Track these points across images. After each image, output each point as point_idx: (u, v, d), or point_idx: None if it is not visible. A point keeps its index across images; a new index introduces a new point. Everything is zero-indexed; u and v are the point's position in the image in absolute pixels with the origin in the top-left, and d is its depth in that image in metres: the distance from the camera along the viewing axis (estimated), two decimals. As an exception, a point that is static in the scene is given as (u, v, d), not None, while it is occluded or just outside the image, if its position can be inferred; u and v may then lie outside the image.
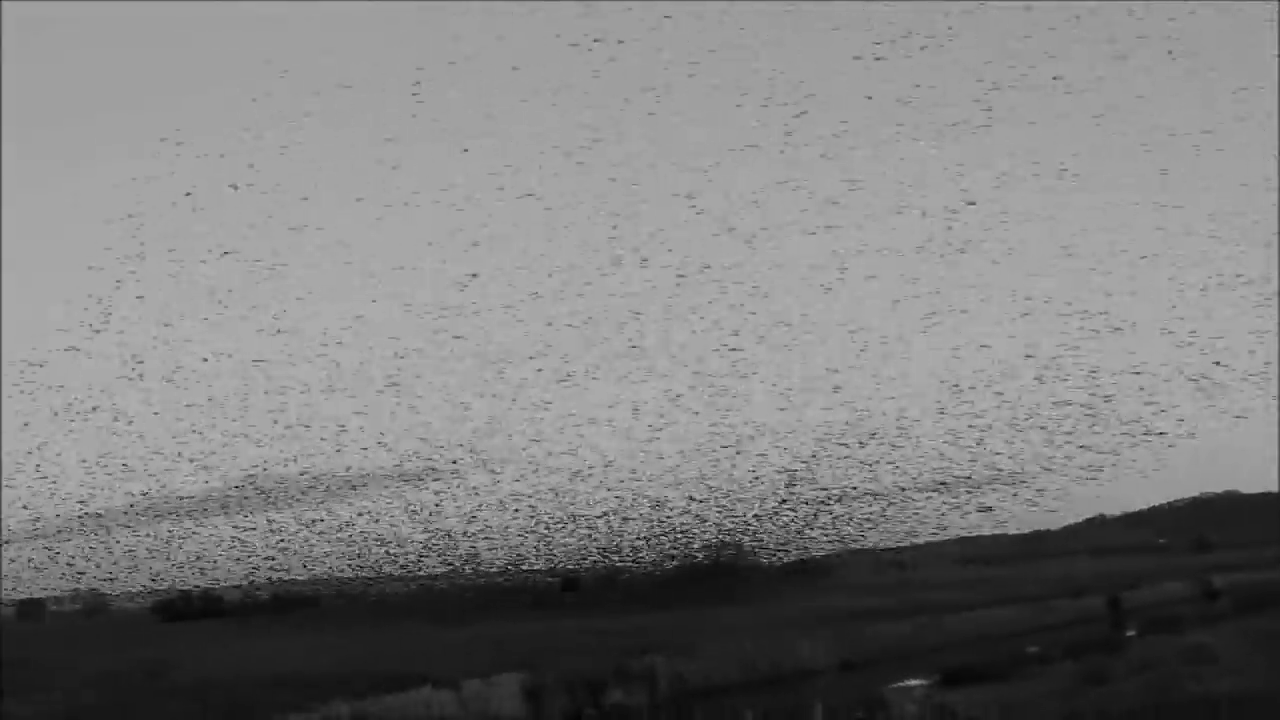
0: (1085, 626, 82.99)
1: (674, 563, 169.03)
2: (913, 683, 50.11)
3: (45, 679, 63.75)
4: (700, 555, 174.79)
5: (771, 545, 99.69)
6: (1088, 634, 74.29)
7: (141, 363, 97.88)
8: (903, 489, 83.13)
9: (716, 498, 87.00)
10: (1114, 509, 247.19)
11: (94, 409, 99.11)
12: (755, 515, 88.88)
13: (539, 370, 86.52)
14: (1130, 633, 75.80)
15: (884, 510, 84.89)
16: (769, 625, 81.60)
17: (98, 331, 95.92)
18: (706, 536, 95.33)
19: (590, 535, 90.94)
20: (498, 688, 53.25)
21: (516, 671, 55.81)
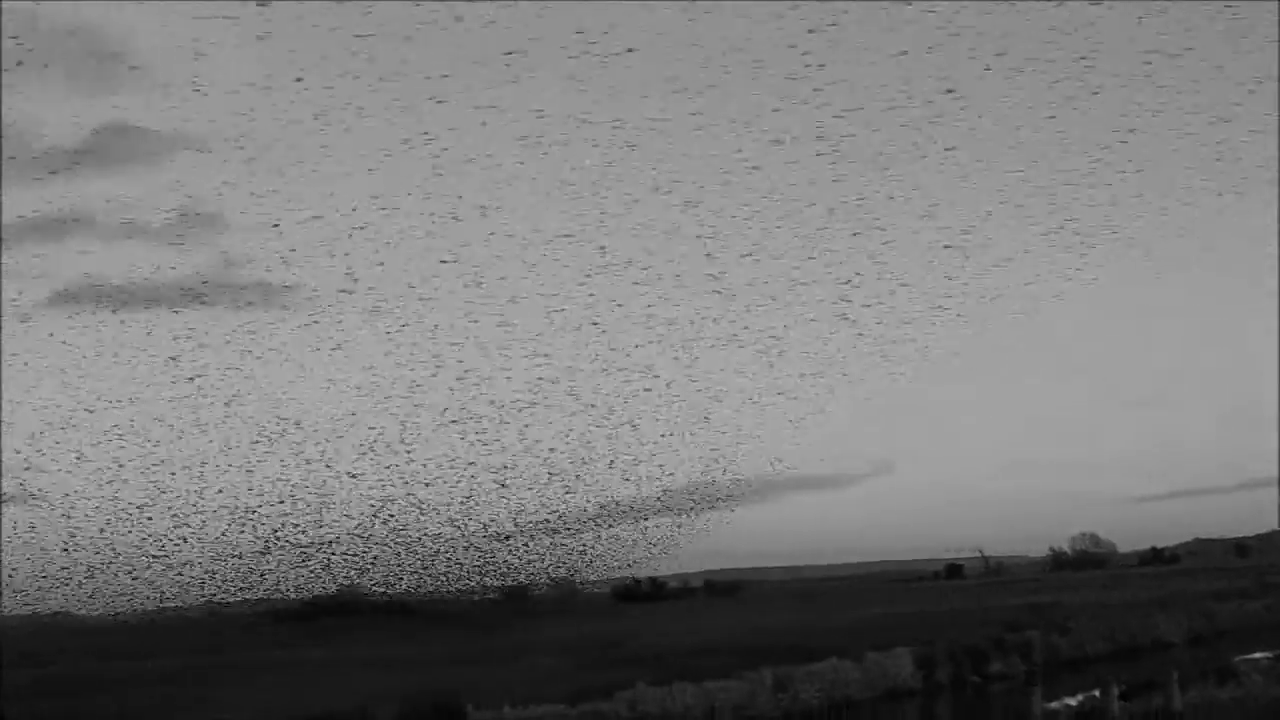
0: None
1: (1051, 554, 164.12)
2: (1259, 655, 47.71)
3: (523, 649, 66.65)
4: (1068, 549, 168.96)
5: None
6: None
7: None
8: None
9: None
10: None
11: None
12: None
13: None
14: None
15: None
16: (1129, 605, 78.74)
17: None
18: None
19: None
20: (894, 658, 53.12)
21: (909, 645, 55.54)
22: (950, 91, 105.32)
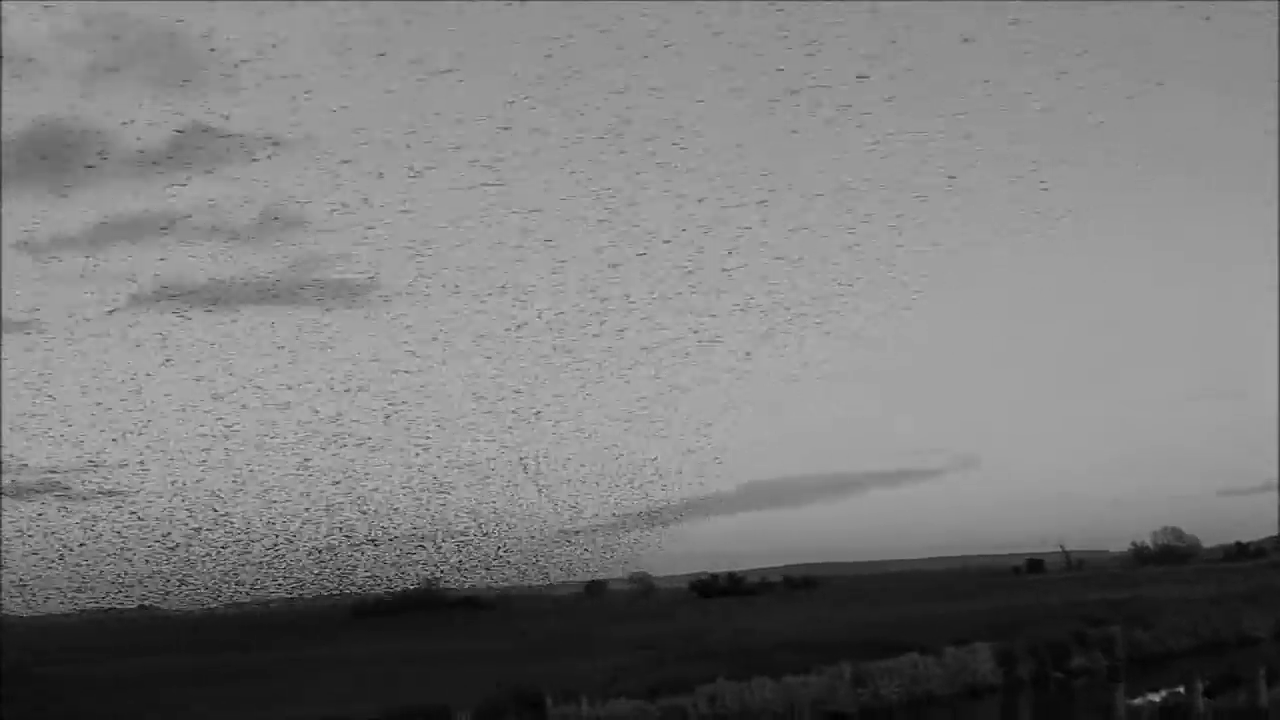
0: None
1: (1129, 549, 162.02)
2: None
3: (602, 643, 66.83)
4: (1150, 544, 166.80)
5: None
6: None
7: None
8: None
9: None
10: None
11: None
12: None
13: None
14: None
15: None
16: (1214, 599, 77.53)
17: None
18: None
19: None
20: (974, 654, 52.70)
21: (989, 640, 55.09)
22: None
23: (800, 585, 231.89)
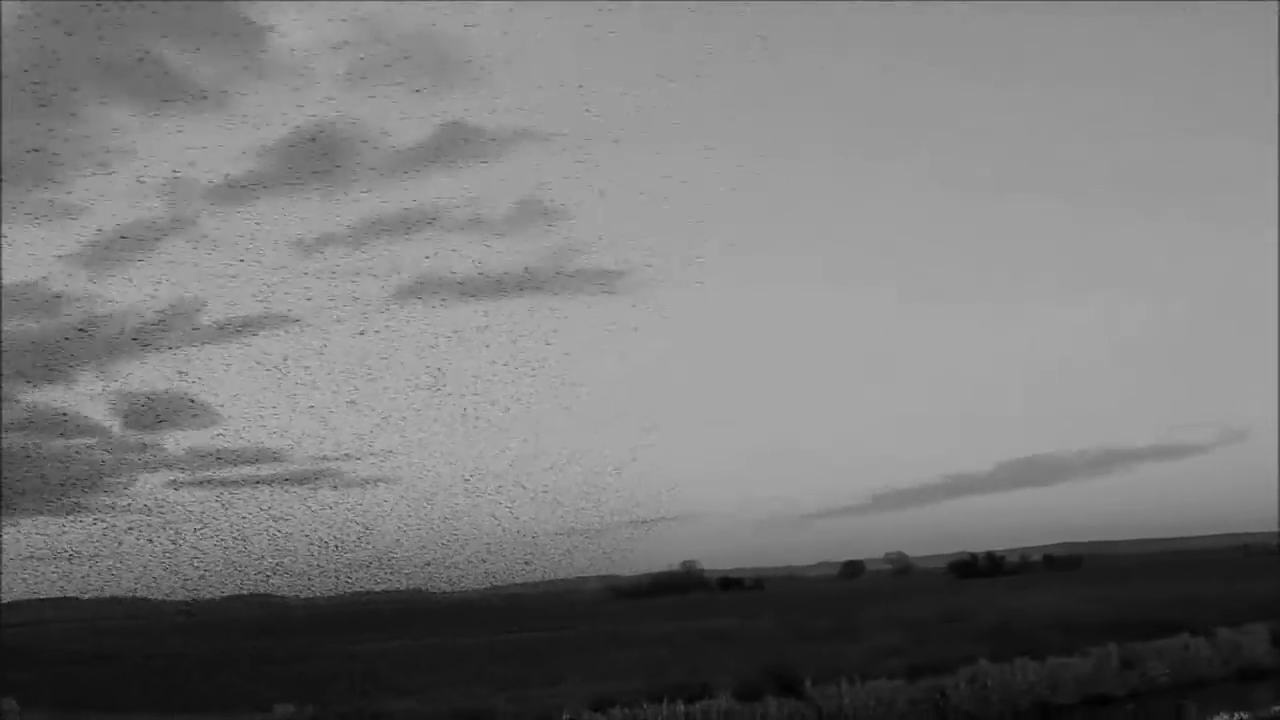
0: None
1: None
2: None
3: (861, 624, 66.46)
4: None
5: None
6: None
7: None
8: None
9: None
10: None
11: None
12: None
13: None
14: None
15: None
16: None
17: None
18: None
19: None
20: (1248, 635, 50.58)
21: (1264, 620, 52.74)
22: None
23: (1062, 565, 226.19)
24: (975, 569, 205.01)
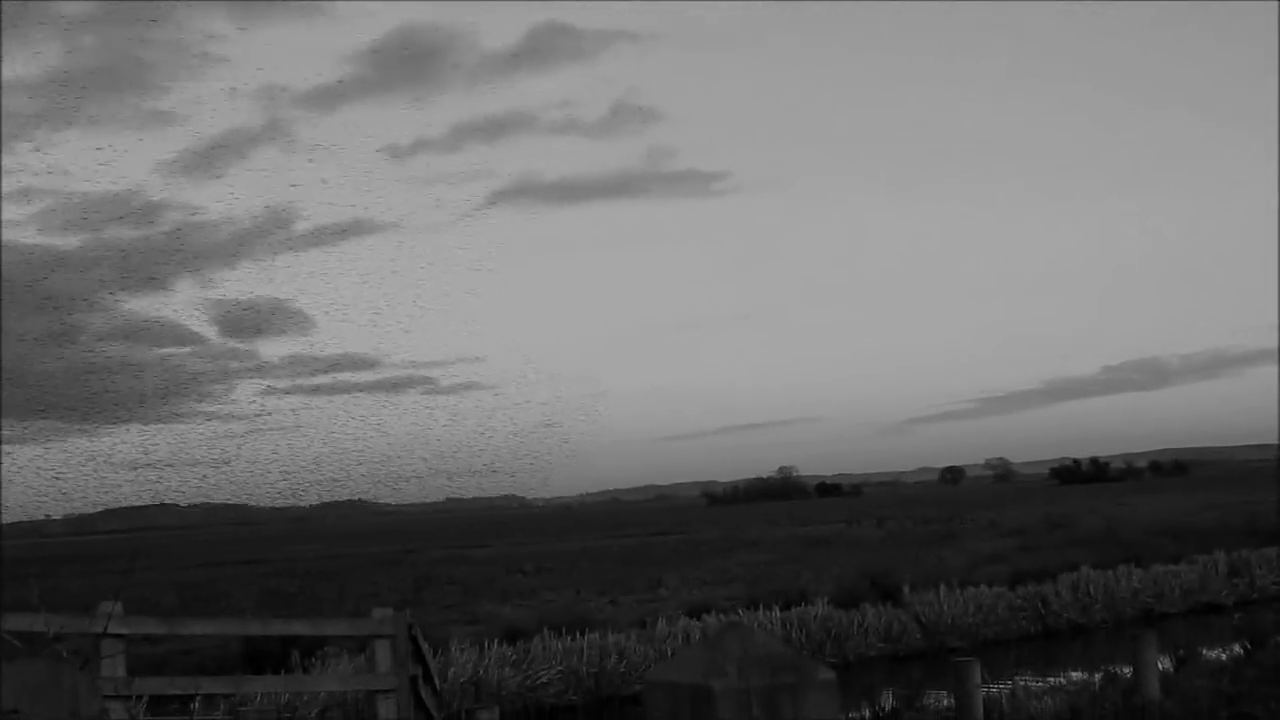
0: None
1: None
2: None
3: (960, 530, 66.30)
4: None
5: None
6: None
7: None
8: None
9: None
10: None
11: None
12: None
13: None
14: None
15: None
16: None
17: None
18: None
19: None
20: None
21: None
22: None
23: (1169, 470, 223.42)
24: (1079, 475, 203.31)
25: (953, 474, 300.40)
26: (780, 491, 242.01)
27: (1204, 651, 26.00)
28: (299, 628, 18.24)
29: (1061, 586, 39.20)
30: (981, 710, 16.61)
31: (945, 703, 21.91)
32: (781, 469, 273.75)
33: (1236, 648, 25.15)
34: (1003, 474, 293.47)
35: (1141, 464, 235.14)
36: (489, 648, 29.68)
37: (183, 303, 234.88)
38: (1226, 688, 17.49)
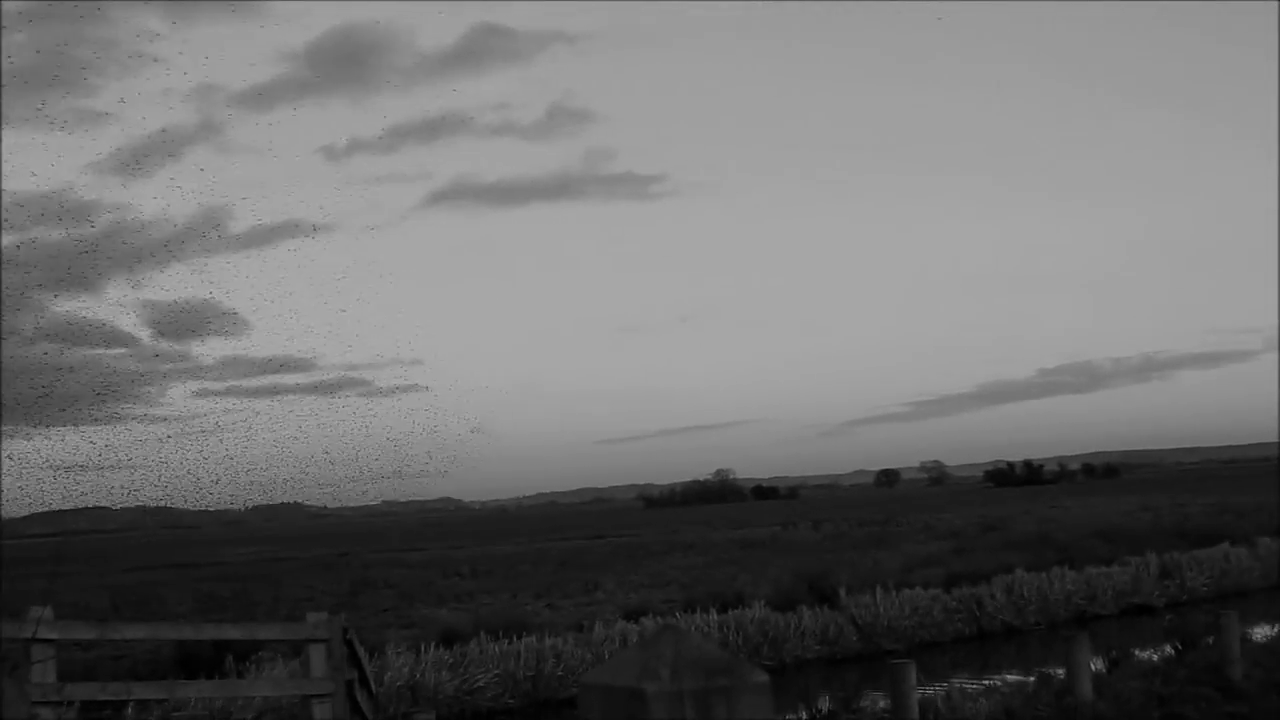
0: None
1: None
2: None
3: (895, 533, 66.72)
4: None
5: None
6: None
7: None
8: None
9: None
10: None
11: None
12: None
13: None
14: None
15: None
16: None
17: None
18: None
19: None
20: (1290, 544, 50.45)
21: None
22: None
23: (1102, 473, 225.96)
24: (1013, 478, 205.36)
25: (888, 477, 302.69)
26: (717, 494, 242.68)
27: (1136, 653, 26.29)
28: (233, 632, 18.09)
29: (996, 589, 39.53)
30: (917, 712, 16.72)
31: (881, 705, 22.03)
32: (718, 471, 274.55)
33: (1168, 649, 25.45)
34: (938, 477, 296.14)
35: (1074, 466, 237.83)
36: (425, 651, 29.54)
37: (115, 304, 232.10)
38: (1158, 688, 17.74)
